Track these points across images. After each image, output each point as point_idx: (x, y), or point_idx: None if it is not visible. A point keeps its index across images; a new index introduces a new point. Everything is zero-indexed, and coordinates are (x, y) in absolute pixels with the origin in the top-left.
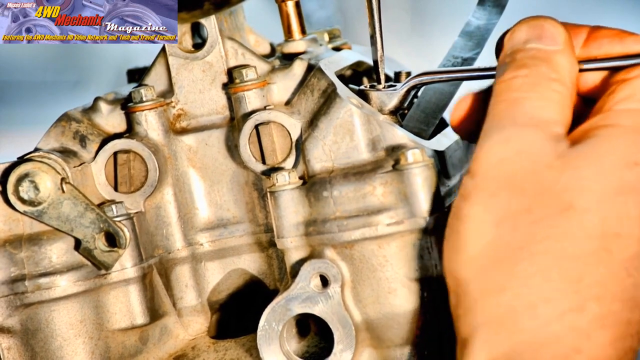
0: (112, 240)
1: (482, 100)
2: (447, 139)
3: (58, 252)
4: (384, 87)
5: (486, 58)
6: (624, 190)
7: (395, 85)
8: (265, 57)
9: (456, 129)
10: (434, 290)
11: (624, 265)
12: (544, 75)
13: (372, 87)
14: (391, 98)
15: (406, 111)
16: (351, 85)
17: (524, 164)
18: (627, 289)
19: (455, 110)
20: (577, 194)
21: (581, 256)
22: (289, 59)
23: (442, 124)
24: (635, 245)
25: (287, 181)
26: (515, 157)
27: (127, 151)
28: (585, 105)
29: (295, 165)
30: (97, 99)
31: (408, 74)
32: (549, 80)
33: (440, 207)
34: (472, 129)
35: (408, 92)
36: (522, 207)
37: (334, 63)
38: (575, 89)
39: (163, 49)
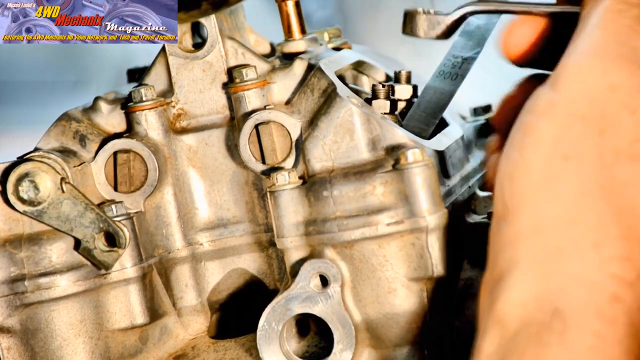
0: (112, 240)
1: (549, 28)
2: (447, 138)
3: (58, 251)
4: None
5: (487, 58)
6: None
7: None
8: (266, 56)
9: (513, 56)
10: (434, 290)
11: None
12: None
13: (424, 11)
14: (440, 23)
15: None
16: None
17: (613, 103)
18: None
19: (511, 35)
20: None
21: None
22: (289, 58)
23: (442, 124)
24: None
25: (287, 181)
26: (608, 93)
27: (127, 151)
28: None
29: (295, 165)
30: (97, 99)
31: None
32: None
33: (440, 207)
34: (534, 56)
35: (457, 21)
36: (597, 148)
37: (334, 63)
38: None
39: (163, 49)
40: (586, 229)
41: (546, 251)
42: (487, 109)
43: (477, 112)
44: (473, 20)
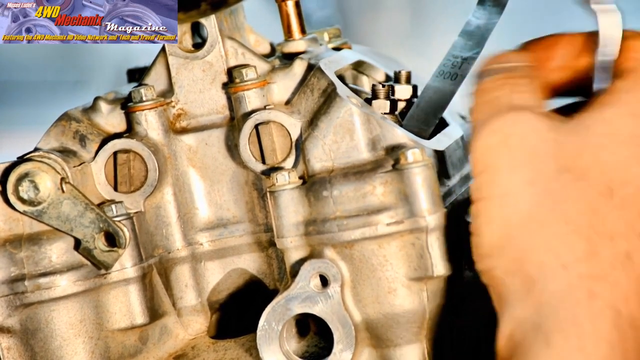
0: (112, 240)
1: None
2: (447, 138)
3: (58, 251)
4: None
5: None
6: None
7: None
8: (265, 56)
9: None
10: (434, 290)
11: (637, 210)
12: (512, 76)
13: None
14: None
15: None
16: None
17: (528, 138)
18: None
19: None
20: (591, 152)
21: (593, 205)
22: (289, 58)
23: (442, 124)
24: None
25: (287, 181)
26: (516, 137)
27: (127, 151)
28: None
29: (295, 165)
30: (97, 99)
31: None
32: (517, 78)
33: (440, 207)
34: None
35: None
36: (530, 177)
37: (334, 63)
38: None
39: (163, 49)
40: (544, 241)
41: (520, 280)
42: None
43: None
44: (473, 20)
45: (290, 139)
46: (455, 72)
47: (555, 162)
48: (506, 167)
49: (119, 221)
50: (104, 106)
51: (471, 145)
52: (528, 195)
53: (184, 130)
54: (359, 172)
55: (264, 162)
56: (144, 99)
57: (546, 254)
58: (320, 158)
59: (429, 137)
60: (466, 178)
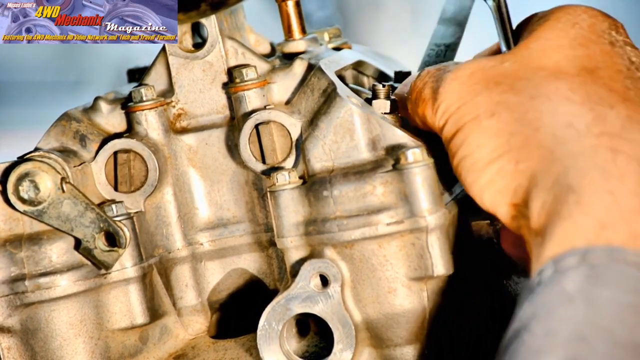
0: (112, 239)
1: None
2: None
3: (58, 251)
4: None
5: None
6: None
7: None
8: (266, 56)
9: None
10: (434, 290)
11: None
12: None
13: None
14: None
15: None
16: None
17: (485, 70)
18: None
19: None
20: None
21: (581, 87)
22: (289, 58)
23: None
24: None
25: (287, 181)
26: (471, 75)
27: (127, 151)
28: None
29: (295, 165)
30: (97, 99)
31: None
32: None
33: (440, 207)
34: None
35: None
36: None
37: (334, 62)
38: None
39: (163, 49)
40: (549, 119)
41: (538, 155)
42: None
43: None
44: (448, 7)
45: (291, 138)
46: (440, 61)
47: (519, 73)
48: (481, 92)
49: (119, 221)
50: (104, 106)
51: (437, 94)
52: (517, 99)
53: (184, 130)
54: (359, 172)
55: (264, 162)
56: (144, 98)
57: (556, 127)
58: (320, 158)
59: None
60: None
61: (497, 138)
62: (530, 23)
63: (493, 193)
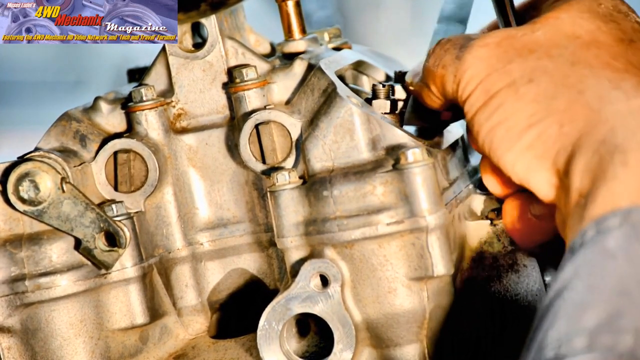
0: (112, 239)
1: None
2: (447, 137)
3: (58, 251)
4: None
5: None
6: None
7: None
8: (266, 56)
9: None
10: (434, 290)
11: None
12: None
13: None
14: None
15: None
16: None
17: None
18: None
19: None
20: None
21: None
22: (289, 58)
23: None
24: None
25: (287, 181)
26: (499, 43)
27: (127, 151)
28: None
29: (295, 165)
30: (97, 99)
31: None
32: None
33: (441, 207)
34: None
35: None
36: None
37: (334, 62)
38: None
39: (163, 49)
40: (599, 82)
41: (583, 116)
42: None
43: None
44: (446, 6)
45: (291, 138)
46: None
47: (554, 41)
48: (514, 59)
49: (119, 221)
50: (104, 106)
51: (462, 61)
52: (555, 65)
53: (184, 130)
54: (359, 172)
55: (264, 161)
56: (144, 98)
57: (601, 90)
58: (320, 158)
59: (430, 137)
60: (466, 178)
61: (537, 103)
62: (544, 1)
63: (530, 159)
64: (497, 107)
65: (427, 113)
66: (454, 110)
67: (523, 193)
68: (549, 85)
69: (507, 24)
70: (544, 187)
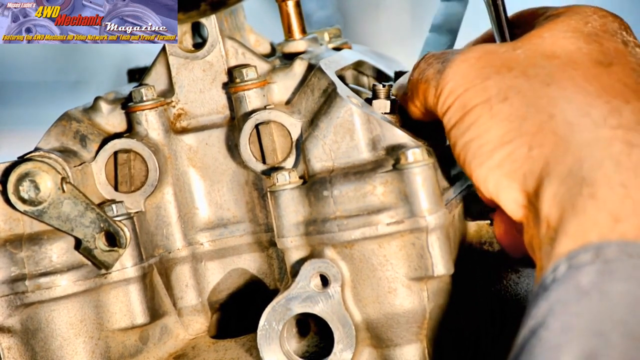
0: (113, 239)
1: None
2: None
3: (58, 251)
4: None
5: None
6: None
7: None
8: (266, 56)
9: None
10: (434, 290)
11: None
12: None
13: None
14: None
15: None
16: None
17: (489, 57)
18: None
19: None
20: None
21: (594, 77)
22: (289, 58)
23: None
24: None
25: (287, 181)
26: (479, 58)
27: (127, 151)
28: None
29: (295, 165)
30: (97, 99)
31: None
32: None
33: (441, 207)
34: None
35: None
36: (513, 77)
37: (334, 63)
38: None
39: (163, 49)
40: (564, 108)
41: (551, 144)
42: None
43: None
44: (439, 15)
45: (291, 138)
46: None
47: (532, 60)
48: (492, 76)
49: (120, 221)
50: (104, 106)
51: (443, 75)
52: (529, 85)
53: (185, 130)
54: (359, 172)
55: (264, 162)
56: (145, 98)
57: (571, 115)
58: (320, 158)
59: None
60: (466, 178)
61: (509, 122)
62: (537, 17)
63: (499, 177)
64: (472, 123)
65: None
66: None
67: None
68: (521, 105)
69: (502, 35)
70: (512, 206)
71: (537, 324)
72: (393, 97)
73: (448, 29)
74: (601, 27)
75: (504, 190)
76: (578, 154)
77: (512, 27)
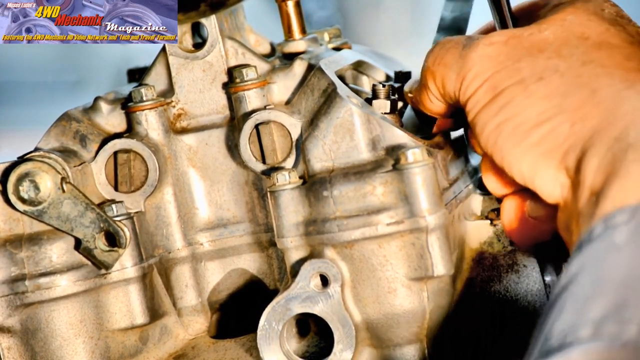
0: (112, 239)
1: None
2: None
3: (58, 251)
4: None
5: None
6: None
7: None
8: (266, 56)
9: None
10: (434, 290)
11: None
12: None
13: None
14: None
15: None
16: None
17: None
18: None
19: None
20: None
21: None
22: (289, 58)
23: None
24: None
25: (287, 181)
26: (506, 41)
27: (127, 151)
28: None
29: (295, 165)
30: (97, 99)
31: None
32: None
33: (440, 207)
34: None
35: None
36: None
37: (334, 63)
38: None
39: (163, 49)
40: (612, 81)
41: (597, 114)
42: None
43: None
44: (446, 15)
45: (291, 139)
46: None
47: (563, 41)
48: (523, 58)
49: (120, 221)
50: (104, 106)
51: (466, 59)
52: (566, 65)
53: (184, 130)
54: (359, 172)
55: (264, 162)
56: (144, 98)
57: (615, 89)
58: (320, 158)
59: (430, 137)
60: (466, 178)
61: (547, 101)
62: (539, 8)
63: (536, 156)
64: (505, 103)
65: (429, 115)
66: (455, 117)
67: (521, 193)
68: (560, 84)
69: (504, 27)
70: (549, 186)
71: (569, 281)
72: (393, 97)
73: (456, 29)
74: (617, 13)
75: (542, 170)
76: (625, 122)
77: (514, 19)
